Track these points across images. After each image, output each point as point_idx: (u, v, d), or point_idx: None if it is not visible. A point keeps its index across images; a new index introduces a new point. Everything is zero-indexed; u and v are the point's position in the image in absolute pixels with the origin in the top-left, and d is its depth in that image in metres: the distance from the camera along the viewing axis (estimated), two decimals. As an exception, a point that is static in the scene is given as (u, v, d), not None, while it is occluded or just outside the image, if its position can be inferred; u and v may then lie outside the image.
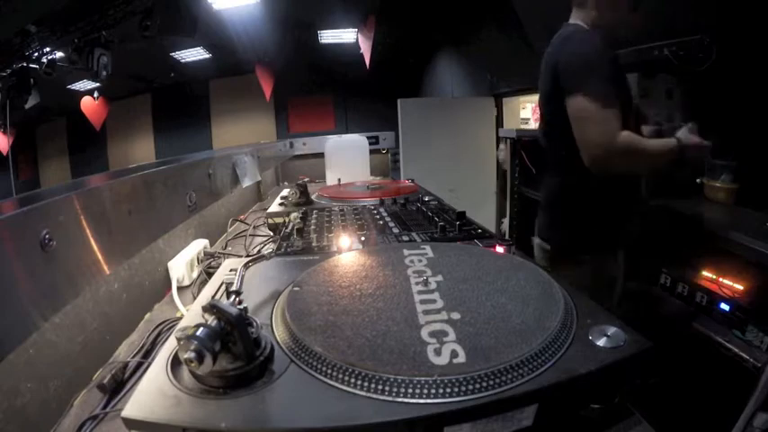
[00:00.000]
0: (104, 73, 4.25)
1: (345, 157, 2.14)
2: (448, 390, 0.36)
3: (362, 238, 0.81)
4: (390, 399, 0.36)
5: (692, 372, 1.14)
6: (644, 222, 1.25)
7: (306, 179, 1.61)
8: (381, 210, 1.08)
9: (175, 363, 0.42)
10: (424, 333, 0.43)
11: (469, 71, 4.36)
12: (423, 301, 0.49)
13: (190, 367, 0.37)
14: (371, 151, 2.37)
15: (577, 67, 1.01)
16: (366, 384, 0.37)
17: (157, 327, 0.76)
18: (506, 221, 2.60)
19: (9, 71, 4.65)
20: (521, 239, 2.38)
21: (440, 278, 0.56)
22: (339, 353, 0.40)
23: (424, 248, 0.68)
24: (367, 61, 5.08)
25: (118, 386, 0.61)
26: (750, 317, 1.01)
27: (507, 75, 3.70)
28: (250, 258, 0.63)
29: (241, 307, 0.42)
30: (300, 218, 1.00)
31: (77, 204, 0.69)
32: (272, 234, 1.25)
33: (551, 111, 1.12)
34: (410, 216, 1.02)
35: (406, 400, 0.36)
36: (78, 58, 4.20)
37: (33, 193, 0.80)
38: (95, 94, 6.88)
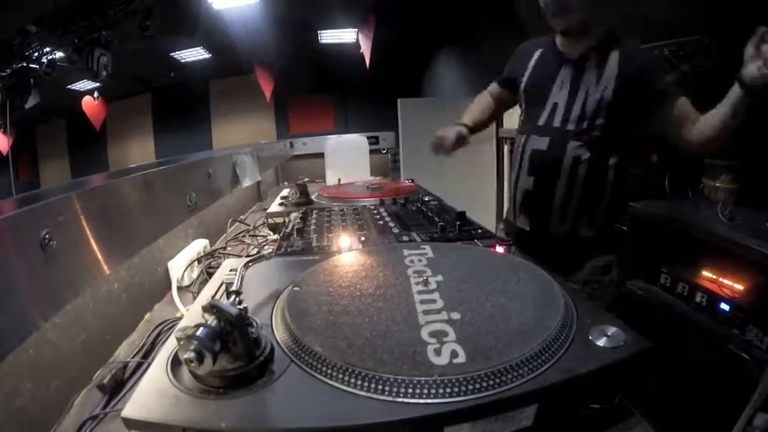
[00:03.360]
0: (104, 73, 4.26)
1: (345, 157, 2.14)
2: (448, 390, 0.36)
3: (362, 238, 0.81)
4: (390, 399, 0.36)
5: (692, 372, 1.14)
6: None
7: (306, 179, 1.61)
8: (381, 210, 1.08)
9: (175, 363, 0.42)
10: (424, 333, 0.43)
11: (469, 71, 4.36)
12: (423, 301, 0.49)
13: (190, 367, 0.37)
14: (371, 151, 2.37)
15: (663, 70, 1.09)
16: (366, 384, 0.37)
17: (157, 327, 0.76)
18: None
19: (9, 71, 4.66)
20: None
21: (440, 278, 0.56)
22: (339, 353, 0.40)
23: (424, 248, 0.68)
24: (367, 61, 5.08)
25: (118, 386, 0.61)
26: (750, 317, 1.01)
27: (507, 75, 3.69)
28: (250, 258, 0.63)
29: (241, 307, 0.42)
30: (300, 218, 1.00)
31: (77, 204, 0.69)
32: (271, 234, 1.25)
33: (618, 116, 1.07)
34: (410, 216, 1.02)
35: (406, 400, 0.36)
36: (78, 58, 4.21)
37: (33, 193, 0.80)
38: (95, 94, 6.89)
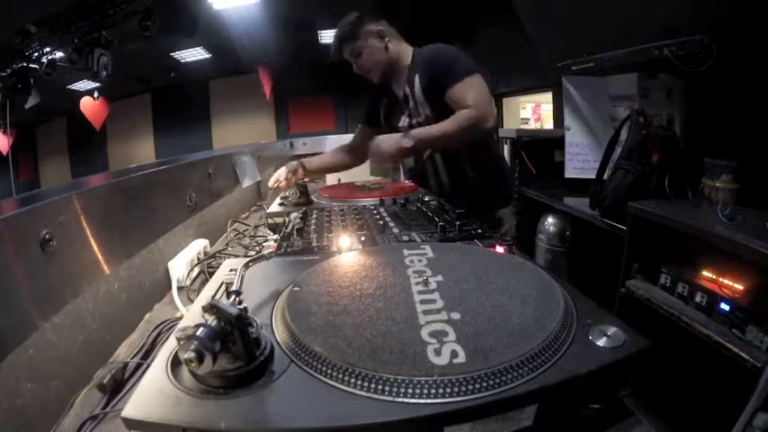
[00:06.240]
0: (104, 73, 4.26)
1: (345, 157, 2.13)
2: (448, 390, 0.36)
3: (362, 238, 0.81)
4: (390, 399, 0.36)
5: (692, 372, 1.14)
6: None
7: (306, 179, 1.61)
8: (381, 210, 1.08)
9: (175, 363, 0.42)
10: (424, 333, 0.43)
11: (469, 71, 4.35)
12: (423, 301, 0.49)
13: (190, 367, 0.37)
14: (371, 151, 2.37)
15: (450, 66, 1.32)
16: (366, 384, 0.37)
17: (157, 327, 0.76)
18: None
19: (9, 71, 4.66)
20: (521, 239, 2.38)
21: (440, 278, 0.56)
22: (339, 353, 0.40)
23: (424, 248, 0.68)
24: (367, 61, 5.07)
25: (118, 386, 0.61)
26: (750, 317, 1.01)
27: (507, 75, 3.70)
28: (250, 258, 0.63)
29: (241, 307, 0.42)
30: (300, 218, 1.00)
31: (77, 204, 0.69)
32: (271, 234, 1.25)
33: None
34: (410, 216, 1.02)
35: (406, 400, 0.36)
36: (78, 58, 4.21)
37: (33, 193, 0.80)
38: (95, 94, 6.89)
